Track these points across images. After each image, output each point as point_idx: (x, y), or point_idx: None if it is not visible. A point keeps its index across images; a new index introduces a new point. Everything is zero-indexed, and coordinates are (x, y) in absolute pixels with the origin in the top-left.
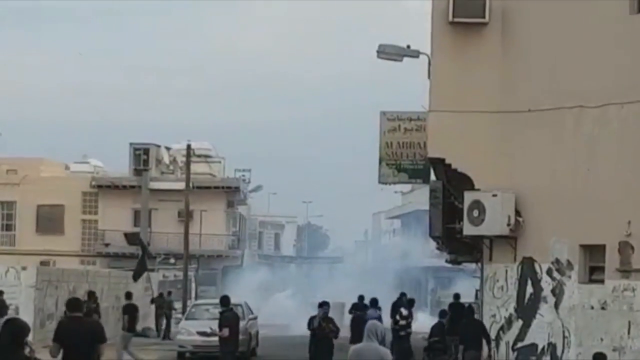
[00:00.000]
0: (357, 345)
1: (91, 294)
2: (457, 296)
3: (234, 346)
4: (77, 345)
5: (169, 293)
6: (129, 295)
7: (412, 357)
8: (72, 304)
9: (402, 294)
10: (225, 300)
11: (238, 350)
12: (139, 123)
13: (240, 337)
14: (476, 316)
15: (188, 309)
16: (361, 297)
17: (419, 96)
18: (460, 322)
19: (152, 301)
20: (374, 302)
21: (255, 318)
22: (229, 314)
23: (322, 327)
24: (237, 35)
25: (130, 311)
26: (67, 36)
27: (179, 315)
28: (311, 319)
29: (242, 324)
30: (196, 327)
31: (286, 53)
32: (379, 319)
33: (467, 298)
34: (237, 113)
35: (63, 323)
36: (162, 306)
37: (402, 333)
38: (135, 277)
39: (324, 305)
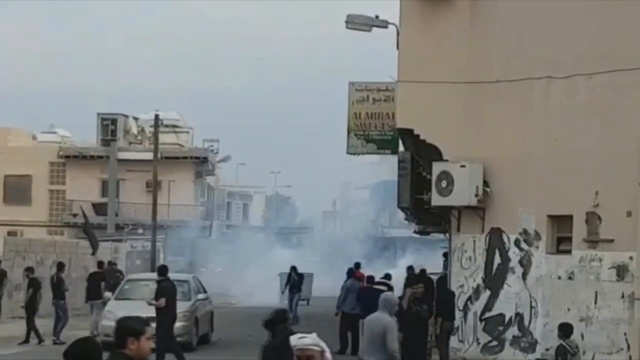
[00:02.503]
0: (369, 316)
1: (60, 265)
2: (410, 268)
3: (171, 316)
4: None
5: (113, 264)
6: (100, 264)
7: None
8: None
9: (357, 265)
10: (162, 270)
11: (176, 319)
12: (106, 92)
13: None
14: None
15: (120, 285)
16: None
17: (387, 66)
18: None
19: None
20: (352, 273)
21: (206, 299)
22: (166, 284)
23: (411, 310)
24: (206, 3)
25: (93, 280)
26: (30, 2)
27: None
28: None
29: (186, 305)
30: (125, 309)
31: (254, 20)
32: (372, 290)
33: (435, 268)
34: (205, 81)
35: None
36: (110, 277)
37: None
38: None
39: (414, 282)
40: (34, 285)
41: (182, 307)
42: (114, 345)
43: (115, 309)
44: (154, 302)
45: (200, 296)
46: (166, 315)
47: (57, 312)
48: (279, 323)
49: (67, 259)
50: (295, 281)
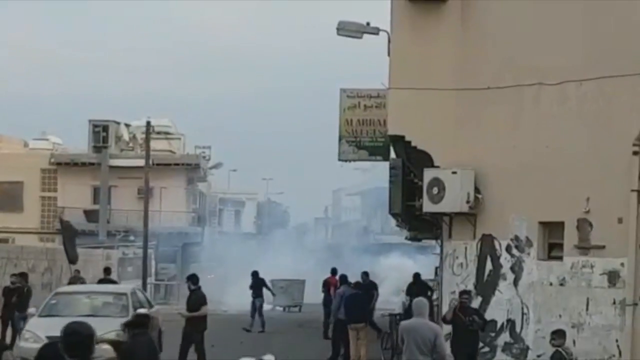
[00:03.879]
0: (408, 321)
1: (23, 274)
2: (365, 273)
3: (203, 326)
4: None
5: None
6: (107, 271)
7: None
8: None
9: (333, 270)
10: (195, 279)
11: (206, 329)
12: (98, 99)
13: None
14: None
15: (47, 299)
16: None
17: (379, 72)
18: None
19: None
20: (344, 279)
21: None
22: (199, 292)
23: (458, 318)
24: (196, 8)
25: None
26: (22, 8)
27: None
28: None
29: (120, 321)
30: (49, 329)
31: (246, 27)
32: (358, 295)
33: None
34: (197, 87)
35: None
36: None
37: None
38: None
39: (463, 293)
40: (6, 293)
41: (116, 325)
42: (85, 353)
43: (37, 329)
44: (185, 312)
45: (141, 312)
46: (202, 324)
47: (20, 324)
48: (135, 327)
49: (59, 266)
50: (254, 286)
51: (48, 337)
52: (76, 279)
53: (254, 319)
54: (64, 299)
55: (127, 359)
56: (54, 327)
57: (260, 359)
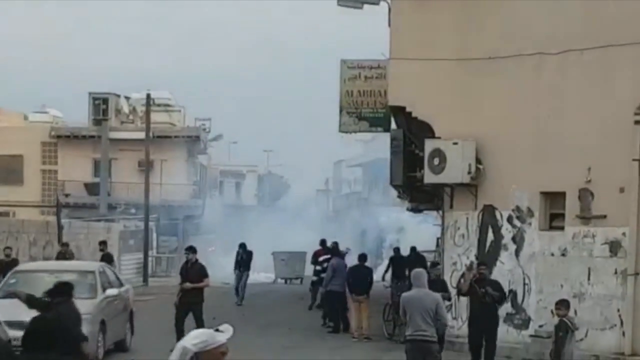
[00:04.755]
0: (409, 293)
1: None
2: (335, 243)
3: (201, 297)
4: None
5: (65, 245)
6: (103, 244)
7: None
8: None
9: (322, 242)
10: (195, 250)
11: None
12: (97, 72)
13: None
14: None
15: (5, 279)
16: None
17: (380, 43)
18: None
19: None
20: (335, 250)
21: (118, 294)
22: (198, 264)
23: (474, 290)
24: None
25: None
26: None
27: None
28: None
29: (89, 304)
30: (7, 313)
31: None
32: (360, 267)
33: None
34: (197, 60)
35: None
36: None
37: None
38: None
39: (480, 264)
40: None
41: (83, 306)
42: None
43: None
44: (188, 284)
45: (110, 292)
46: (201, 295)
47: None
48: (57, 295)
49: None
50: (243, 259)
51: (7, 323)
52: (64, 253)
53: (242, 291)
54: (23, 277)
55: (42, 328)
56: (10, 309)
57: (217, 329)
